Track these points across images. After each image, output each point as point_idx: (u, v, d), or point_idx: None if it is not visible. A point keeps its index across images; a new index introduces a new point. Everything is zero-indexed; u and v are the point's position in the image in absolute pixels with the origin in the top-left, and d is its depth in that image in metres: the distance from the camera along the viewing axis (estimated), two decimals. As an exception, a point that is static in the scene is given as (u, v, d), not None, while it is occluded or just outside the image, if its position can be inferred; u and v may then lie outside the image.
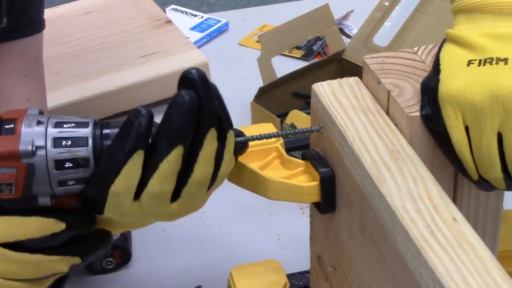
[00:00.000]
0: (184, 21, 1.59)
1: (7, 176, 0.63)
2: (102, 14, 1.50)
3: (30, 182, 0.63)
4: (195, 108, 0.62)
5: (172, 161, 0.63)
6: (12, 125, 0.64)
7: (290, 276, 0.86)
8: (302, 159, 0.72)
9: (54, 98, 1.23)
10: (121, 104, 1.29)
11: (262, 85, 1.24)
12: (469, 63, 0.63)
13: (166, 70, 1.33)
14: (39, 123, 0.64)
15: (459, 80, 0.62)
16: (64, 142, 0.64)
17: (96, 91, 1.28)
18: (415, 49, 0.72)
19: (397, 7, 1.33)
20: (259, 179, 0.70)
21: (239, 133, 0.69)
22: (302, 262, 0.87)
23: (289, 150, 0.75)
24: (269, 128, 0.74)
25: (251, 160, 0.72)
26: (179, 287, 1.00)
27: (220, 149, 0.65)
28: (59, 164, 0.64)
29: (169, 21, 1.47)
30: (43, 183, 0.64)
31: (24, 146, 0.63)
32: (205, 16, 1.62)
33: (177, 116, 0.62)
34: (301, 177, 0.70)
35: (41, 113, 0.66)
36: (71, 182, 0.64)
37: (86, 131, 0.65)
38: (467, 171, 0.64)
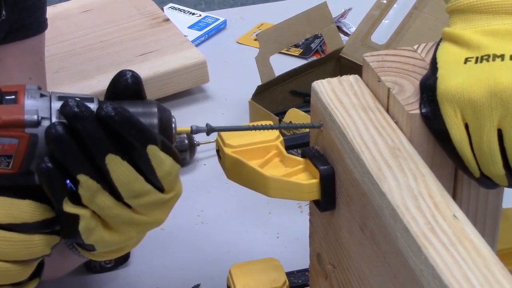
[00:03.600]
0: (182, 19, 1.59)
1: (7, 147, 0.60)
2: (100, 12, 1.50)
3: (31, 155, 0.61)
4: (64, 139, 0.60)
5: (84, 184, 0.61)
6: (13, 96, 0.61)
7: (289, 274, 0.86)
8: (302, 157, 0.72)
9: (53, 97, 1.23)
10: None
11: (260, 83, 1.24)
12: (466, 60, 0.63)
13: (164, 69, 1.33)
14: (42, 95, 0.62)
15: (457, 78, 0.62)
16: None
17: (94, 89, 1.27)
18: (415, 47, 0.72)
19: (395, 5, 1.33)
20: (258, 176, 0.70)
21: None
22: (301, 260, 0.87)
23: (288, 148, 0.75)
24: (267, 126, 0.74)
25: (251, 158, 0.72)
26: (177, 286, 1.00)
27: (142, 162, 0.62)
28: None
29: (167, 20, 1.47)
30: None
31: (29, 115, 0.60)
32: (203, 14, 1.62)
33: (55, 150, 0.60)
34: (301, 175, 0.70)
35: (39, 88, 0.63)
36: None
37: (93, 107, 0.62)
38: (469, 168, 0.64)
